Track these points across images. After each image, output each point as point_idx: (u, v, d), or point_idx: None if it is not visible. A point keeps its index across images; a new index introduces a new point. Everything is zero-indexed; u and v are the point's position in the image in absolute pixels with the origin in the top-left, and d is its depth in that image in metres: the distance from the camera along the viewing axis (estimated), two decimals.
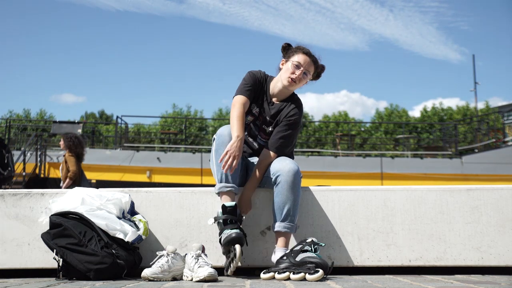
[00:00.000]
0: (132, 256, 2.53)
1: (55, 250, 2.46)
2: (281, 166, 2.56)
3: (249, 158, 2.82)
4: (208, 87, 56.82)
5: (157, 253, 2.50)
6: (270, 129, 2.75)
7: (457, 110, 30.37)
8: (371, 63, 55.74)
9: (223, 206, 2.47)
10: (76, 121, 16.76)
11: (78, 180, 6.34)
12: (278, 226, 2.55)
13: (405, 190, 2.77)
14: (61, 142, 6.53)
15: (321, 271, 2.25)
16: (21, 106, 56.80)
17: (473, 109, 27.45)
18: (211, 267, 2.32)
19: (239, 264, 2.56)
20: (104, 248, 2.44)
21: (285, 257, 2.43)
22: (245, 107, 2.65)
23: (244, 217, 2.54)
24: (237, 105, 2.62)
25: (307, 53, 2.74)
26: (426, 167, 14.15)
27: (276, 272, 2.37)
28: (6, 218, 2.75)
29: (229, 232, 2.40)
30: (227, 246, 2.42)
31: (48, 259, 2.63)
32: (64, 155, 6.52)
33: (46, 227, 2.58)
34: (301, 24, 52.32)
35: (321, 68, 2.82)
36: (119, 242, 2.50)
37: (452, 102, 54.16)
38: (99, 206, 2.60)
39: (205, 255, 2.43)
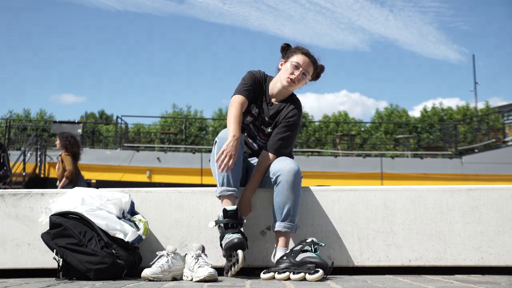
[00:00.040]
0: (132, 256, 2.53)
1: (55, 250, 2.46)
2: (281, 166, 2.56)
3: (249, 159, 2.82)
4: (208, 87, 56.87)
5: (157, 253, 2.50)
6: (269, 130, 2.75)
7: (457, 110, 30.37)
8: (371, 63, 55.79)
9: (224, 210, 2.47)
10: (76, 121, 16.76)
11: (74, 179, 6.35)
12: (279, 226, 2.55)
13: (405, 190, 2.77)
14: (57, 142, 6.52)
15: (321, 271, 2.25)
16: (21, 106, 56.99)
17: (473, 109, 27.46)
18: (211, 267, 2.32)
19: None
20: (104, 248, 2.43)
21: (285, 257, 2.43)
22: (243, 107, 2.64)
23: (245, 220, 2.54)
24: (235, 104, 2.61)
25: (306, 53, 2.72)
26: (426, 167, 14.15)
27: (276, 272, 2.37)
28: (6, 218, 2.75)
29: (231, 237, 2.40)
30: (229, 251, 2.43)
31: (48, 259, 2.63)
32: (60, 155, 6.51)
33: (46, 227, 2.58)
34: (301, 24, 52.34)
35: (321, 69, 2.81)
36: (119, 242, 2.50)
37: (452, 102, 54.24)
38: (99, 206, 2.60)
39: (205, 255, 2.43)
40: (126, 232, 2.52)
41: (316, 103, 52.91)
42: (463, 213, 2.73)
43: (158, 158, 13.90)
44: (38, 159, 12.49)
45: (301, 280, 2.27)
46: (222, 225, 2.46)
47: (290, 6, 49.25)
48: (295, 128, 2.73)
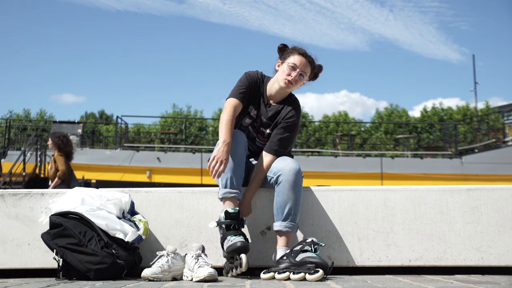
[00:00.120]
0: (132, 256, 2.53)
1: (55, 250, 2.45)
2: (282, 166, 2.56)
3: (250, 160, 2.81)
4: (208, 87, 56.83)
5: (157, 253, 2.49)
6: (268, 131, 2.74)
7: (457, 110, 30.37)
8: (371, 63, 55.76)
9: (226, 212, 2.46)
10: (76, 121, 16.77)
11: (67, 179, 6.32)
12: (279, 225, 2.54)
13: (405, 190, 2.77)
14: (50, 142, 6.48)
15: (321, 271, 2.25)
16: (21, 106, 56.92)
17: (473, 109, 27.46)
18: (211, 267, 2.32)
19: None
20: (104, 248, 2.43)
21: (285, 257, 2.43)
22: (236, 111, 2.62)
23: (246, 222, 2.54)
24: (228, 108, 2.60)
25: (303, 54, 2.69)
26: (426, 167, 14.16)
27: (276, 272, 2.37)
28: (6, 218, 2.75)
29: (233, 240, 2.40)
30: (231, 253, 2.42)
31: (48, 259, 2.63)
32: (53, 155, 6.48)
33: (46, 227, 2.58)
34: (301, 24, 52.36)
35: (318, 68, 2.78)
36: (119, 242, 2.50)
37: (452, 102, 54.19)
38: (99, 206, 2.60)
39: (205, 255, 2.43)
40: (126, 232, 2.52)
41: (316, 103, 52.96)
42: (463, 213, 2.73)
43: (158, 158, 13.91)
44: (38, 159, 12.47)
45: (301, 280, 2.27)
46: (224, 226, 2.45)
47: (290, 6, 49.30)
48: (294, 129, 2.72)
